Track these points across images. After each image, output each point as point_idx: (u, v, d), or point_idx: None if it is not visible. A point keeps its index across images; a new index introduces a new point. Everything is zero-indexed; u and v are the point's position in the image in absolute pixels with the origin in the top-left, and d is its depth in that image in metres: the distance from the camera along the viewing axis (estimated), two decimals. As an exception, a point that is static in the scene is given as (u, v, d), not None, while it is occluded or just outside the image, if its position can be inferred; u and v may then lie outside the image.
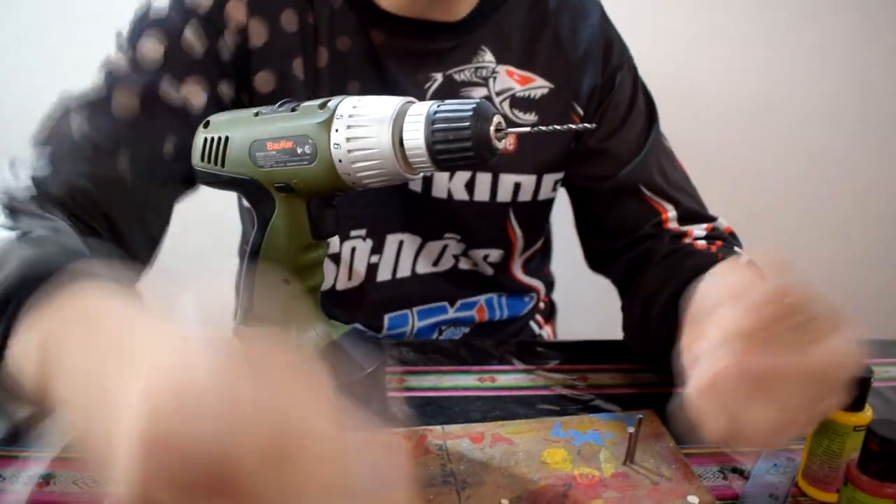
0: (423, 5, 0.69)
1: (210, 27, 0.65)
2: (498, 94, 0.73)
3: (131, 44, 0.64)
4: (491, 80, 0.73)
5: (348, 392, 0.52)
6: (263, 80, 0.67)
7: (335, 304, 0.78)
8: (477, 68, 0.73)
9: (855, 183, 1.46)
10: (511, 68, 0.74)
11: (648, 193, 0.74)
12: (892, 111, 1.43)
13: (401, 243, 0.77)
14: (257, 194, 0.51)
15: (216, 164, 0.52)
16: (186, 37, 0.64)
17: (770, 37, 1.35)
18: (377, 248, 0.77)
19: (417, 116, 0.43)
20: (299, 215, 0.50)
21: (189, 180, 0.63)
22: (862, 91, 1.41)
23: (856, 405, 0.48)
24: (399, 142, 0.44)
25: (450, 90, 0.72)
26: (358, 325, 0.77)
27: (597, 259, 0.81)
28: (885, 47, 1.38)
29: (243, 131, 0.50)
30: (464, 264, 0.81)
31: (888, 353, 0.72)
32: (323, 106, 0.46)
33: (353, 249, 0.76)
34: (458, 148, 0.42)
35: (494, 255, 0.81)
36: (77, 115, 0.60)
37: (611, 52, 0.77)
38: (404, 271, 0.79)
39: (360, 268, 0.77)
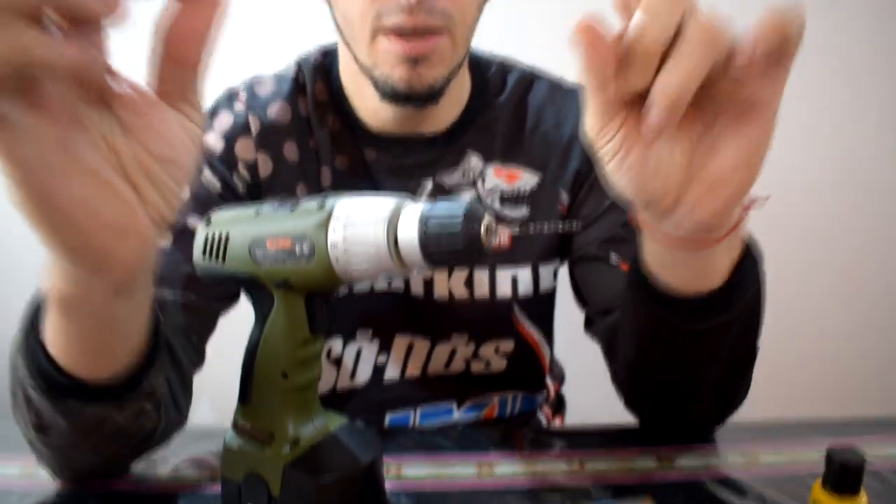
0: (408, 125, 0.74)
1: (224, 165, 0.74)
2: (487, 192, 0.76)
3: None
4: (479, 181, 0.76)
5: (346, 485, 0.53)
6: None
7: (334, 405, 0.79)
8: (465, 171, 0.76)
9: (852, 255, 1.48)
10: (498, 166, 0.77)
11: (622, 261, 0.74)
12: (884, 188, 1.46)
13: (410, 345, 0.78)
14: (256, 290, 0.53)
15: (217, 260, 0.54)
16: (206, 176, 0.73)
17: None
18: (385, 348, 0.78)
19: (411, 217, 0.45)
20: (297, 311, 0.52)
21: (230, 297, 0.72)
22: (853, 167, 1.45)
23: (850, 489, 0.48)
24: (394, 241, 0.46)
25: (440, 195, 0.75)
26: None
27: (586, 320, 0.82)
28: (871, 125, 1.42)
29: (244, 229, 0.52)
30: (476, 366, 0.81)
31: (888, 432, 0.72)
32: (321, 206, 0.48)
33: (360, 350, 0.77)
34: (449, 248, 0.44)
35: (505, 345, 0.81)
36: None
37: None
38: (414, 371, 0.79)
39: (366, 368, 0.78)
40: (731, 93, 0.40)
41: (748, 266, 0.53)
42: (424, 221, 0.45)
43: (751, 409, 0.68)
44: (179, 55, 0.36)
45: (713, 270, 0.51)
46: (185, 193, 0.41)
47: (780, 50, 0.37)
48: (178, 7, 0.35)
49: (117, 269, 0.38)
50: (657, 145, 0.42)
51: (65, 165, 0.33)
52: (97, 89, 0.35)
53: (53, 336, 0.47)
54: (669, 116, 0.38)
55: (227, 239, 0.53)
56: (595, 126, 0.42)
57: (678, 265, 0.52)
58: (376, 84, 0.68)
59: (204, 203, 0.72)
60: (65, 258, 0.37)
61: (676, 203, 0.44)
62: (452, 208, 0.44)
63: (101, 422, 0.52)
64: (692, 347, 0.56)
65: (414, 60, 0.65)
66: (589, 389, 1.12)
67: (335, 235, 0.47)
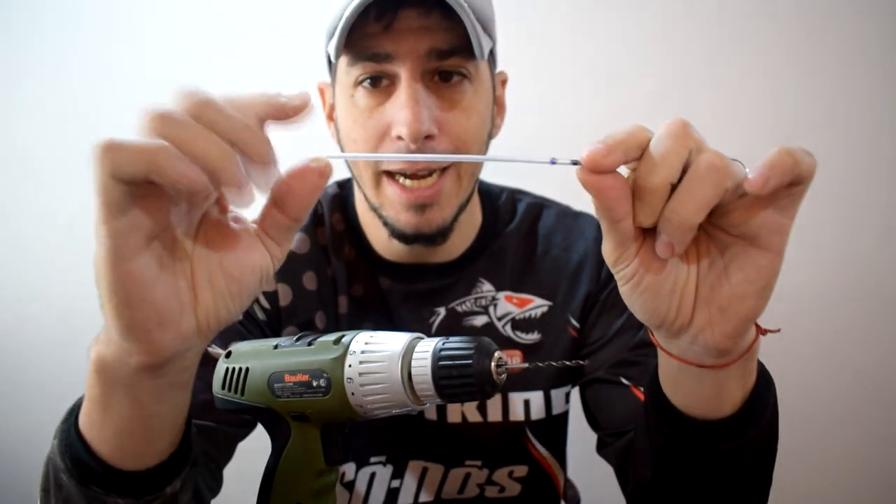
0: (420, 256, 0.77)
1: None
2: (499, 318, 0.79)
3: None
4: (491, 308, 0.79)
5: None
6: (290, 333, 0.75)
7: None
8: (477, 298, 0.79)
9: (851, 360, 1.47)
10: (510, 293, 0.80)
11: (632, 384, 0.75)
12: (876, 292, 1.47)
13: (424, 470, 0.78)
14: (274, 422, 0.54)
15: (236, 393, 0.55)
16: None
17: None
18: (398, 473, 0.78)
19: (424, 353, 0.47)
20: (313, 442, 0.53)
21: (247, 424, 0.72)
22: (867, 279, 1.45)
23: None
24: (408, 376, 0.48)
25: (453, 322, 0.78)
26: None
27: (599, 442, 0.81)
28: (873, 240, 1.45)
29: (263, 363, 0.54)
30: (490, 491, 0.80)
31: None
32: (337, 342, 0.51)
33: (373, 475, 0.77)
34: (461, 383, 0.46)
35: (519, 470, 0.80)
36: None
37: None
38: (427, 497, 0.79)
39: (380, 493, 0.78)
40: (741, 222, 0.41)
41: (762, 392, 0.53)
42: (437, 357, 0.47)
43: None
44: (280, 204, 0.42)
45: (726, 395, 0.51)
46: (238, 316, 0.45)
47: (789, 186, 0.39)
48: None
49: (145, 350, 0.41)
50: (671, 269, 0.44)
51: (140, 248, 0.38)
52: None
53: (87, 413, 0.47)
54: (677, 244, 0.41)
55: (246, 372, 0.55)
56: (612, 255, 0.44)
57: (691, 387, 0.52)
58: (385, 223, 0.72)
59: (224, 331, 0.73)
60: (107, 318, 0.40)
61: (687, 325, 0.45)
62: (464, 344, 0.47)
63: None
64: (708, 471, 0.56)
65: (421, 206, 0.68)
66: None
67: (351, 370, 0.49)
